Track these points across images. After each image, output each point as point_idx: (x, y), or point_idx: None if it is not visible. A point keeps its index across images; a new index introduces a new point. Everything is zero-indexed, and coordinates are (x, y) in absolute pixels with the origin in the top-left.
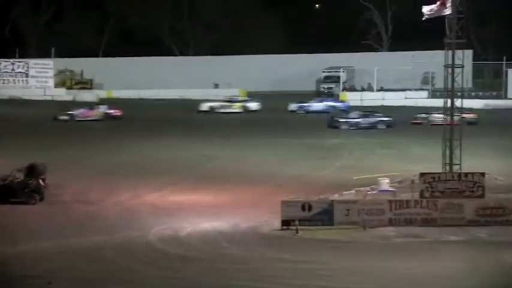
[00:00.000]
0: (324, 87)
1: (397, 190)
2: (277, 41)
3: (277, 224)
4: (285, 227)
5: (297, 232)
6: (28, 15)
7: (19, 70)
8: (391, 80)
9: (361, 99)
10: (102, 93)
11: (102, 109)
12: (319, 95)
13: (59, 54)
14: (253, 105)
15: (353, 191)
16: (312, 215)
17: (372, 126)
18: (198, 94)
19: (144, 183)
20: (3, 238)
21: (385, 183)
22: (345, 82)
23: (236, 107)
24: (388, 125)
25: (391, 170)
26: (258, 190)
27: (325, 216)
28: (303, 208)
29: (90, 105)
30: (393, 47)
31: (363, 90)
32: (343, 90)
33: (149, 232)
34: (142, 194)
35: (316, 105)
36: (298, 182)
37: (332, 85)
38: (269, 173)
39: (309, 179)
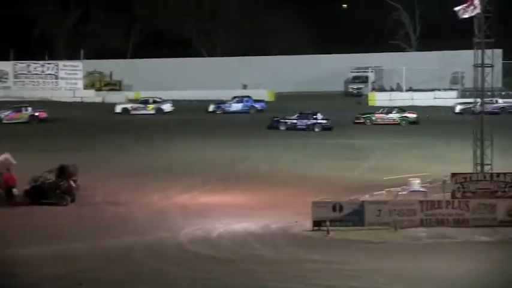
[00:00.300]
0: (352, 88)
1: (428, 190)
2: (305, 42)
3: (308, 224)
4: (316, 228)
5: (328, 233)
6: (56, 17)
7: (49, 72)
8: (419, 80)
9: (390, 100)
10: (131, 95)
11: (28, 111)
12: (347, 96)
13: (88, 56)
14: (167, 107)
15: (384, 192)
16: (343, 216)
17: (309, 128)
18: (227, 95)
19: (174, 184)
20: (34, 239)
21: (416, 184)
22: (374, 82)
23: (150, 109)
24: (325, 127)
25: (421, 171)
26: (287, 191)
27: (356, 216)
28: (334, 209)
29: (17, 108)
30: (421, 47)
31: (391, 90)
32: (372, 90)
33: (180, 233)
34: (172, 195)
35: (235, 106)
36: (327, 183)
37: (361, 85)
38: (298, 174)
39: (339, 179)
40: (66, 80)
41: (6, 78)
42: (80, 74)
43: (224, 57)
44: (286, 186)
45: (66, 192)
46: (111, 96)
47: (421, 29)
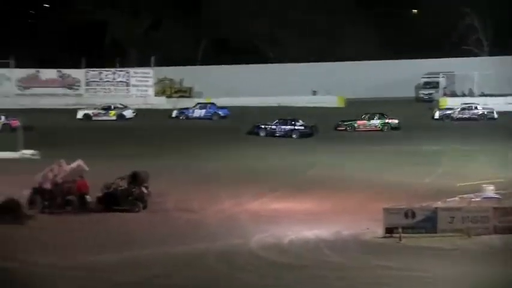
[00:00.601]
0: (423, 93)
1: (502, 197)
2: (375, 47)
3: (379, 231)
4: (388, 235)
5: (400, 240)
6: (127, 24)
7: (120, 79)
8: (491, 85)
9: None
10: (201, 101)
11: (2, 120)
12: (418, 101)
13: (159, 63)
14: (128, 113)
15: (457, 198)
16: (415, 223)
17: (287, 134)
18: (296, 101)
19: (244, 190)
20: (107, 245)
21: (489, 190)
22: (445, 88)
23: (112, 115)
24: (303, 134)
25: (493, 177)
26: (357, 197)
27: (429, 223)
28: (406, 215)
29: None
30: (494, 52)
31: (463, 95)
32: (443, 95)
33: (251, 240)
34: (243, 201)
35: (198, 112)
36: (397, 189)
37: (432, 91)
38: (367, 180)
39: (409, 186)
40: (137, 87)
41: (79, 86)
42: (151, 81)
43: (293, 63)
44: (356, 193)
45: (138, 198)
46: (181, 103)
47: (493, 34)
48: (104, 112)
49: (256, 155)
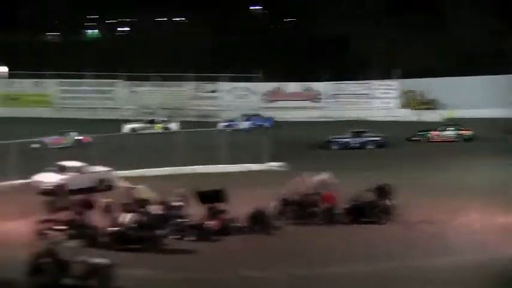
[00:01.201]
0: None
1: None
2: None
3: None
4: None
5: None
6: (370, 36)
7: (362, 92)
8: None
9: None
10: (446, 113)
11: (72, 136)
12: None
13: (405, 75)
14: (173, 126)
15: None
16: None
17: (362, 147)
18: None
19: (491, 203)
20: (352, 256)
21: None
22: None
23: (157, 128)
24: (379, 144)
25: None
26: None
27: None
28: None
29: (61, 133)
30: None
31: None
32: None
33: (500, 254)
34: (488, 214)
35: (243, 124)
36: None
37: None
38: None
39: None
40: (380, 100)
41: (321, 99)
42: (395, 94)
43: None
44: None
45: (383, 211)
46: (426, 115)
47: None
48: (149, 126)
49: (478, 166)
